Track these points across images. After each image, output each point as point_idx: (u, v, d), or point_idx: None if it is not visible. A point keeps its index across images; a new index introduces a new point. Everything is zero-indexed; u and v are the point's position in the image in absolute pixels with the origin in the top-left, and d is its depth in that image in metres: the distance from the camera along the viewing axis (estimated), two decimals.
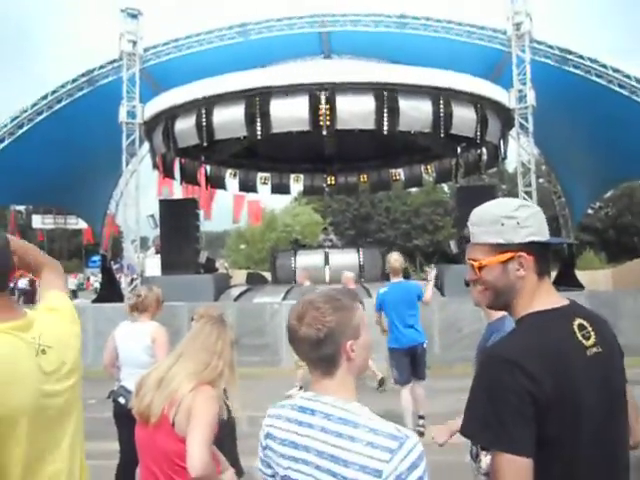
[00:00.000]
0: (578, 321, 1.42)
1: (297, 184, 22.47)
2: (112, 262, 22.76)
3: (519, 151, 16.91)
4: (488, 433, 1.30)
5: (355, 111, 12.60)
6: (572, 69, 16.28)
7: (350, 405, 1.43)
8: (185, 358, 2.50)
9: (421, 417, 6.39)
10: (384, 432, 1.34)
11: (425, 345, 6.50)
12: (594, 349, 1.40)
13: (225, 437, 2.38)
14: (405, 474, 1.29)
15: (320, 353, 1.45)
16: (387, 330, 6.53)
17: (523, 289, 1.46)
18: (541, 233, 1.47)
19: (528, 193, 16.00)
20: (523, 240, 1.44)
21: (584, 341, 1.40)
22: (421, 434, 6.14)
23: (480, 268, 1.49)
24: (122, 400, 3.59)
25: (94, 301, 17.79)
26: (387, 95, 12.43)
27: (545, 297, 1.46)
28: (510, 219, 1.45)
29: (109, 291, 18.49)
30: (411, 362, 6.46)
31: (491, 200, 1.58)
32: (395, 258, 6.47)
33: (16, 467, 1.36)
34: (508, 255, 1.45)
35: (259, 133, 12.74)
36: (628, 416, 1.47)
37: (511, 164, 38.33)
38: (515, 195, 16.83)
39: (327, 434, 1.39)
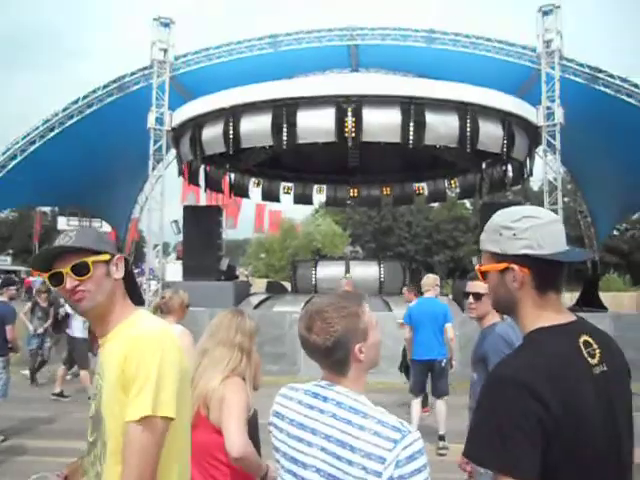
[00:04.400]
0: (584, 338, 1.38)
1: (320, 195, 22.54)
2: (133, 266, 22.95)
3: (545, 169, 16.71)
4: (493, 457, 1.23)
5: (381, 124, 12.57)
6: (602, 88, 16.11)
7: (360, 397, 1.51)
8: (208, 355, 2.59)
9: (441, 438, 6.28)
10: (389, 424, 1.43)
11: (444, 362, 6.51)
12: (599, 367, 1.35)
13: (250, 432, 2.47)
14: (403, 462, 1.36)
15: (331, 359, 1.54)
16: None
17: (522, 302, 1.42)
18: (541, 247, 1.38)
19: (554, 211, 15.71)
20: (517, 252, 1.39)
21: (590, 359, 1.35)
22: (441, 455, 6.05)
23: (484, 273, 1.48)
24: None
25: None
26: (414, 109, 12.38)
27: (551, 313, 1.40)
28: (507, 229, 1.41)
29: (130, 293, 18.55)
30: (431, 377, 6.54)
31: None
32: (429, 276, 7.10)
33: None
34: (503, 265, 1.42)
35: (285, 143, 12.79)
36: (633, 435, 1.41)
37: (535, 182, 38.02)
38: None
39: (337, 420, 1.47)
